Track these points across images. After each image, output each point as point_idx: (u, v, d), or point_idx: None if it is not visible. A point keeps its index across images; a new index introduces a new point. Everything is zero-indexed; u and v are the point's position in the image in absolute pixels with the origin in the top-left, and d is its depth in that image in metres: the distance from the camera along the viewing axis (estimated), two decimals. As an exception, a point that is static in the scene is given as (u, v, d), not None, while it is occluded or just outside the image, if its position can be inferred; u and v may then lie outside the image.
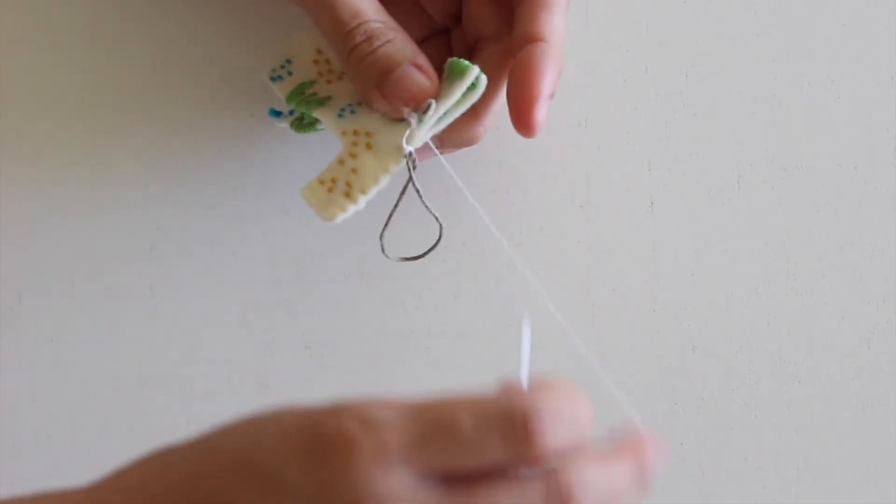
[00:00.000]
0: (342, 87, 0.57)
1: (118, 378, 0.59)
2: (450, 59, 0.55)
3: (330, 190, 0.54)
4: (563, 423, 0.41)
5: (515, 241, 0.61)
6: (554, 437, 0.41)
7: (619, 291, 0.61)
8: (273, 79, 0.57)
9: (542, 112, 0.54)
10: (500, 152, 0.61)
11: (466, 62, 0.54)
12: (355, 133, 0.55)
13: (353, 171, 0.54)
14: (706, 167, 0.62)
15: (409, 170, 0.54)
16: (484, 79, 0.54)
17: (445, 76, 0.55)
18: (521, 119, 0.54)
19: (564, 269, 0.61)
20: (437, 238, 0.56)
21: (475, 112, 0.55)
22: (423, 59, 0.54)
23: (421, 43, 0.60)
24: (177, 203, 0.61)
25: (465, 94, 0.54)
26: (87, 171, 0.61)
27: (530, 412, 0.41)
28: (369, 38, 0.54)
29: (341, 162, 0.55)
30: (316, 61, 0.58)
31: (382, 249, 0.56)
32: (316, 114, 0.56)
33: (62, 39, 0.62)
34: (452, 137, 0.56)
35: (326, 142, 0.58)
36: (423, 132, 0.54)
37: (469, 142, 0.57)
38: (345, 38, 0.54)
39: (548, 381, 0.42)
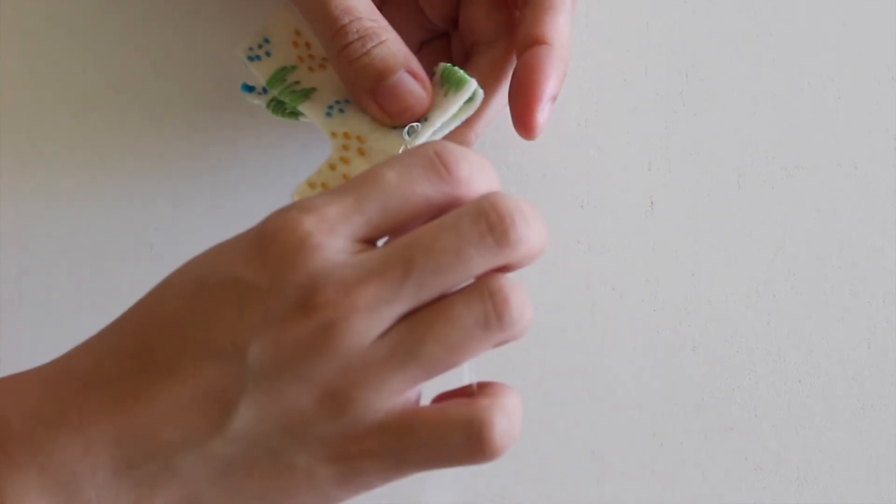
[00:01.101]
0: (327, 79, 0.56)
1: (118, 378, 0.59)
2: (443, 65, 0.54)
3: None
4: (469, 158, 0.46)
5: (515, 241, 0.61)
6: (467, 166, 0.45)
7: (618, 291, 0.61)
8: (250, 58, 0.56)
9: (544, 115, 0.54)
10: (500, 152, 0.61)
11: (462, 73, 0.53)
12: (346, 136, 0.55)
13: (346, 178, 0.54)
14: (706, 167, 0.62)
15: None
16: (481, 93, 0.53)
17: (438, 81, 0.54)
18: (523, 121, 0.53)
19: (564, 269, 0.61)
20: None
21: (468, 120, 0.55)
22: (416, 65, 0.54)
23: (421, 46, 0.59)
24: (177, 203, 0.61)
25: (461, 108, 0.54)
26: (88, 171, 0.61)
27: (440, 149, 0.45)
28: (362, 38, 0.53)
29: (332, 166, 0.54)
30: (295, 44, 0.57)
31: None
32: (302, 108, 0.55)
33: (62, 39, 0.62)
34: None
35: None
36: (417, 144, 0.54)
37: None
38: (335, 35, 0.53)
39: None
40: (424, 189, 0.45)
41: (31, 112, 0.61)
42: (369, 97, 0.53)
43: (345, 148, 0.54)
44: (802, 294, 0.61)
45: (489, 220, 0.44)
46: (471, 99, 0.53)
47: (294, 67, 0.56)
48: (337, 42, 0.53)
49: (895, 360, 0.61)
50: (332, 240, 0.44)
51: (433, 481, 0.59)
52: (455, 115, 0.54)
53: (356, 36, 0.53)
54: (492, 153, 0.59)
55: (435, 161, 0.45)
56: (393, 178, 0.45)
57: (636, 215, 0.62)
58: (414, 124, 0.54)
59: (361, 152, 0.54)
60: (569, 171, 0.62)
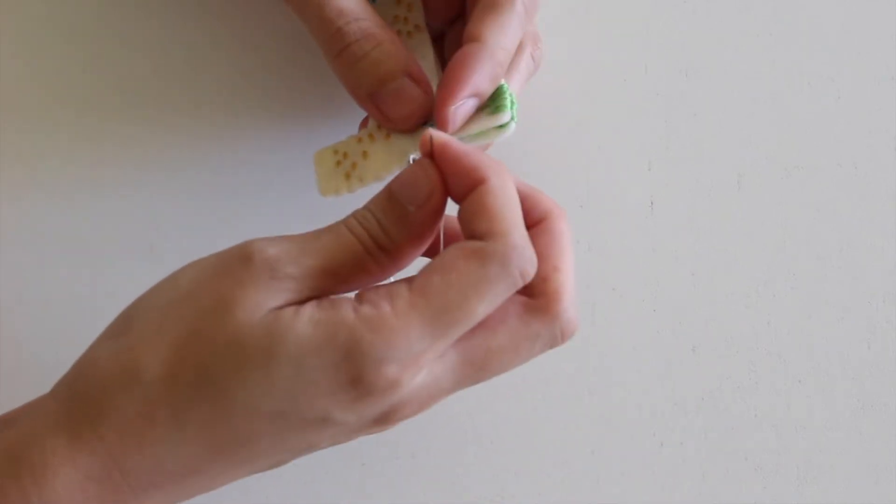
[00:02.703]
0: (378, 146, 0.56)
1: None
2: (501, 83, 0.53)
3: (338, 163, 0.54)
4: (561, 281, 0.49)
5: (515, 241, 0.61)
6: (559, 291, 0.48)
7: (619, 291, 0.61)
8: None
9: (461, 110, 0.52)
10: (500, 152, 0.61)
11: (507, 101, 0.52)
12: None
13: (364, 154, 0.54)
14: (706, 167, 0.62)
15: None
16: (513, 127, 0.52)
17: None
18: (437, 114, 0.51)
19: (564, 269, 0.61)
20: None
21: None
22: (416, 67, 0.53)
23: (453, 21, 0.58)
24: (177, 203, 0.61)
25: (489, 131, 0.53)
26: (88, 171, 0.61)
27: (526, 268, 0.46)
28: (360, 41, 0.52)
29: (359, 140, 0.54)
30: (339, 163, 0.56)
31: None
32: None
33: (63, 40, 0.62)
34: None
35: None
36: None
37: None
38: (332, 38, 0.53)
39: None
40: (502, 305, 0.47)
41: (31, 112, 0.61)
42: (370, 101, 0.53)
43: (378, 128, 0.54)
44: (802, 294, 0.61)
45: (555, 344, 0.49)
46: (502, 126, 0.53)
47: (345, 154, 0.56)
48: (335, 45, 0.52)
49: (895, 360, 0.61)
50: (417, 376, 0.46)
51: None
52: (481, 135, 0.53)
53: (354, 38, 0.52)
54: (491, 153, 0.59)
55: (519, 283, 0.46)
56: (482, 311, 0.46)
57: (636, 215, 0.62)
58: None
59: (388, 136, 0.54)
60: (569, 171, 0.62)
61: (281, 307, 0.46)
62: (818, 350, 0.61)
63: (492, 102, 0.53)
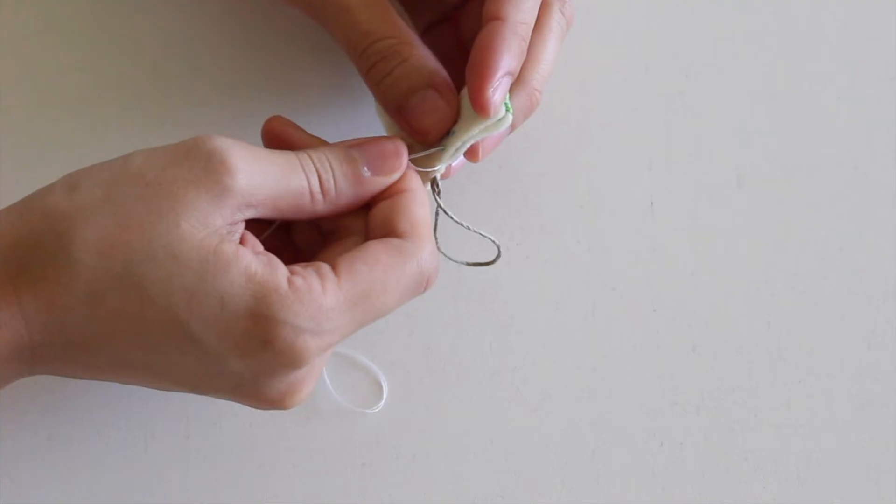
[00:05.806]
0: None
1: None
2: None
3: None
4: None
5: (515, 241, 0.61)
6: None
7: (619, 291, 0.61)
8: None
9: (498, 93, 0.52)
10: (501, 152, 0.61)
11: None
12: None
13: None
14: (706, 167, 0.62)
15: (435, 197, 0.54)
16: (510, 118, 0.53)
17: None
18: (475, 99, 0.52)
19: (564, 269, 0.61)
20: (496, 254, 0.56)
21: None
22: (441, 79, 0.54)
23: (429, 28, 0.59)
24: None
25: (487, 127, 0.53)
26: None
27: (431, 272, 0.51)
28: (384, 59, 0.53)
29: None
30: None
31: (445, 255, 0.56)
32: None
33: (61, 39, 0.62)
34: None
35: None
36: (445, 159, 0.54)
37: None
38: (360, 59, 0.54)
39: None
40: None
41: (30, 112, 0.61)
42: (399, 115, 0.54)
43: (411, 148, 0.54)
44: (802, 294, 0.61)
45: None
46: (499, 119, 0.53)
47: None
48: (362, 66, 0.54)
49: (895, 360, 0.61)
50: (323, 355, 0.49)
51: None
52: (482, 130, 0.53)
53: (377, 58, 0.53)
54: (492, 153, 0.59)
55: (423, 284, 0.51)
56: (394, 304, 0.50)
57: (636, 215, 0.62)
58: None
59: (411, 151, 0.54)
60: (569, 171, 0.62)
61: (222, 230, 0.47)
62: (818, 350, 0.61)
63: None
